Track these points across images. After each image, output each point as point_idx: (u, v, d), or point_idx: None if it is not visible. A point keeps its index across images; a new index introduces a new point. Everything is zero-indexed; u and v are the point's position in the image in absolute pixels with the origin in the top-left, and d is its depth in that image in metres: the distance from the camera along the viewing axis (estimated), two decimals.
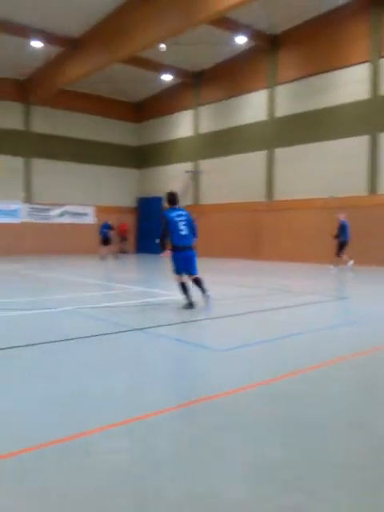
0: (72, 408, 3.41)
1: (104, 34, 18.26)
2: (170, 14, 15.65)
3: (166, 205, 8.13)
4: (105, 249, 19.58)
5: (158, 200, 25.24)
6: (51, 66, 21.21)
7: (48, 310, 7.53)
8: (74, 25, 18.57)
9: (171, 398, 3.69)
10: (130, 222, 26.43)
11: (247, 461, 2.63)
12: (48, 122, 24.08)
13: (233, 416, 3.27)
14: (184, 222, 7.76)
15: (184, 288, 7.77)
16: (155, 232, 26.21)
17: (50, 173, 24.11)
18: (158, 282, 12.50)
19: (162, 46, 18.05)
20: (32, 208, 23.78)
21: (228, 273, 14.74)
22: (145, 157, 27.18)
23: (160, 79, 23.05)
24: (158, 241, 7.92)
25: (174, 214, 7.80)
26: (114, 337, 5.71)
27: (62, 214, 24.60)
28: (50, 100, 23.25)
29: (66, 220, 24.75)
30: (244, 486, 2.36)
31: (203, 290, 7.79)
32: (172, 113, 25.11)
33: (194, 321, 6.88)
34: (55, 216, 24.45)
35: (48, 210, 24.22)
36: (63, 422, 3.16)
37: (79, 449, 2.76)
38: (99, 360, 4.73)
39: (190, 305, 7.66)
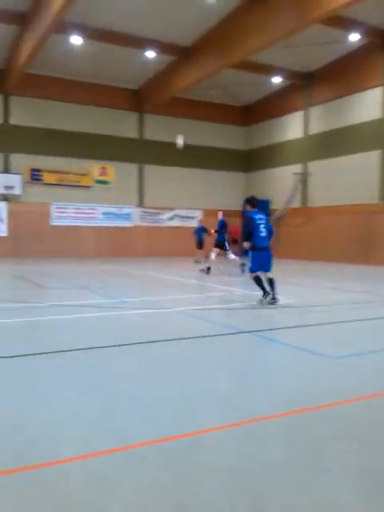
0: (186, 407, 3.54)
1: (215, 40, 18.61)
2: (282, 16, 15.52)
3: (247, 207, 8.74)
4: (200, 252, 19.94)
5: (265, 203, 25.14)
6: (163, 75, 22.06)
7: (161, 310, 7.85)
8: (186, 33, 19.16)
9: (280, 403, 3.69)
10: (237, 225, 26.60)
11: (362, 471, 2.57)
12: (160, 129, 25.06)
13: (346, 426, 3.19)
14: (264, 225, 8.38)
15: (261, 284, 8.27)
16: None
17: (161, 178, 25.08)
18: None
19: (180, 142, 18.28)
20: (144, 212, 24.89)
21: (336, 277, 14.27)
22: (252, 160, 27.21)
23: (269, 82, 22.96)
24: (245, 244, 8.41)
25: (257, 216, 8.41)
26: (224, 339, 5.81)
27: (171, 218, 25.44)
28: (162, 108, 24.17)
29: (176, 223, 25.56)
30: (358, 496, 2.31)
31: (273, 294, 8.17)
32: (281, 115, 24.87)
33: (304, 326, 6.78)
34: (165, 219, 25.37)
35: (159, 213, 25.20)
36: (176, 419, 3.30)
37: (189, 448, 2.88)
38: (212, 361, 4.85)
39: (273, 299, 8.13)
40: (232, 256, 14.18)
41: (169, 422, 3.22)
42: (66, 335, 6.00)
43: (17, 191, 21.79)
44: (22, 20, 17.36)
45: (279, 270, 18.54)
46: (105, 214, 23.95)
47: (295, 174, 23.76)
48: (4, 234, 21.77)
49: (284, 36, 16.34)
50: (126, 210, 24.41)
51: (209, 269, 13.94)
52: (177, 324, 6.84)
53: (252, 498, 2.30)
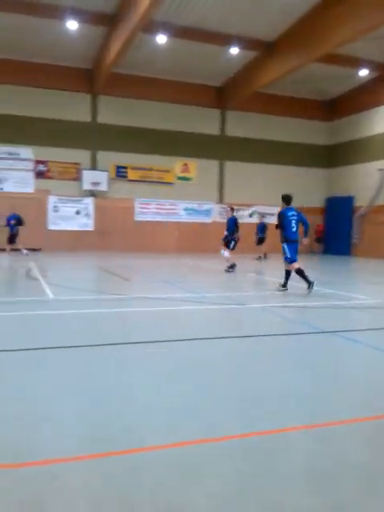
0: (270, 404, 3.62)
1: (299, 34, 18.29)
2: (368, 8, 14.97)
3: (283, 205, 9.77)
4: (260, 248, 19.83)
5: (349, 199, 24.38)
6: (247, 71, 22.01)
7: (241, 306, 7.94)
8: (270, 28, 18.97)
9: (362, 407, 3.65)
10: (317, 222, 26.04)
11: None
12: (241, 125, 25.05)
13: None
14: (295, 220, 9.51)
15: (303, 274, 9.35)
16: (344, 232, 25.36)
17: (241, 174, 25.09)
18: (347, 285, 12.14)
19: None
20: (223, 208, 25.02)
21: None
22: (335, 155, 26.45)
23: (355, 75, 22.19)
24: (284, 245, 9.54)
25: (289, 213, 9.55)
26: (307, 338, 5.80)
27: (251, 214, 25.38)
28: (243, 104, 24.13)
29: (255, 220, 25.44)
30: None
31: (308, 283, 9.23)
32: (367, 109, 23.97)
33: None
34: (245, 216, 25.34)
35: (238, 210, 25.21)
36: (260, 415, 3.38)
37: (272, 444, 2.96)
38: (295, 360, 4.88)
39: (284, 286, 9.50)
40: (226, 254, 13.56)
41: (255, 415, 3.31)
42: (151, 326, 6.27)
43: (103, 187, 22.75)
44: (111, 21, 18.03)
45: (362, 270, 17.95)
46: (186, 209, 24.39)
47: (381, 169, 22.82)
48: (91, 228, 22.83)
49: (371, 28, 15.74)
50: (206, 206, 24.69)
51: (233, 266, 13.47)
52: (257, 320, 6.90)
53: (334, 499, 2.33)
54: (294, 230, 9.47)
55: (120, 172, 23.27)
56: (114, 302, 8.31)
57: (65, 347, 4.98)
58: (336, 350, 5.35)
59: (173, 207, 24.17)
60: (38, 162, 22.11)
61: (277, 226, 9.67)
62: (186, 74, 22.88)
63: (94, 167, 22.91)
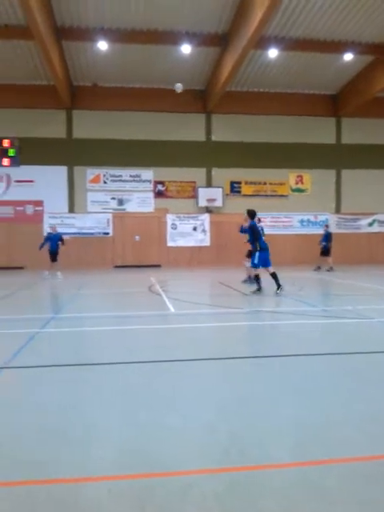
0: None
1: None
2: None
3: (249, 219, 11.31)
4: (324, 259, 18.87)
5: None
6: (363, 76, 21.24)
7: (365, 320, 7.64)
8: None
9: None
10: None
11: None
12: (358, 132, 24.15)
13: None
14: (262, 232, 11.38)
15: (258, 279, 11.07)
16: None
17: (359, 182, 24.12)
18: None
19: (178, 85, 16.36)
20: (340, 218, 24.22)
21: None
22: None
23: None
24: (257, 253, 11.06)
25: (258, 225, 11.32)
26: None
27: (371, 223, 24.25)
28: (360, 110, 23.26)
29: (375, 229, 24.30)
30: None
31: (278, 285, 10.74)
32: None
33: None
34: (365, 225, 24.30)
35: (357, 219, 24.26)
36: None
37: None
38: None
39: (259, 290, 10.88)
40: (248, 264, 13.26)
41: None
42: (269, 340, 6.28)
43: (218, 203, 23.24)
44: (224, 41, 18.53)
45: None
46: (301, 221, 24.01)
47: None
48: (207, 243, 23.40)
49: None
50: (322, 217, 24.09)
51: (250, 278, 13.10)
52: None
53: None
54: (264, 238, 11.08)
55: (234, 187, 23.62)
56: (231, 315, 8.45)
57: (197, 360, 5.18)
58: None
59: (288, 220, 23.92)
60: (157, 183, 23.26)
61: (248, 239, 11.16)
62: (297, 85, 22.68)
63: (209, 184, 23.52)
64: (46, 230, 20.94)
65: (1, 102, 21.59)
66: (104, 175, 22.91)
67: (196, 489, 2.54)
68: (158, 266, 22.51)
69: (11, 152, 22.04)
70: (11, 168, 22.13)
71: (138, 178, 23.15)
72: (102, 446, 3.08)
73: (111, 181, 22.97)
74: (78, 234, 22.54)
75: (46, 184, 22.23)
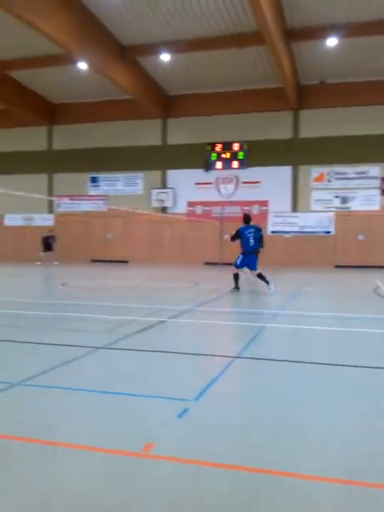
0: None
1: None
2: None
3: (242, 224, 11.53)
4: None
5: None
6: None
7: None
8: None
9: None
10: None
11: None
12: None
13: None
14: (253, 236, 11.29)
15: (237, 277, 11.31)
16: None
17: None
18: None
19: None
20: None
21: None
22: None
23: None
24: (240, 256, 11.39)
25: (247, 231, 11.37)
26: None
27: None
28: None
29: None
30: None
31: (267, 282, 10.94)
32: None
33: None
34: None
35: None
36: None
37: None
38: None
39: (236, 288, 11.23)
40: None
41: None
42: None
43: None
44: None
45: None
46: None
47: None
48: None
49: None
50: None
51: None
52: None
53: None
54: (251, 244, 11.24)
55: None
56: None
57: None
58: None
59: None
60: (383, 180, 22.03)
61: (232, 239, 11.51)
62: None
63: None
64: (270, 229, 21.82)
65: (233, 108, 23.05)
66: (328, 173, 22.61)
67: None
68: (382, 267, 21.26)
69: (240, 155, 23.38)
70: (240, 170, 23.46)
71: (363, 175, 22.22)
72: (337, 446, 3.15)
73: (335, 179, 22.54)
74: (299, 232, 22.75)
75: (271, 184, 22.97)
